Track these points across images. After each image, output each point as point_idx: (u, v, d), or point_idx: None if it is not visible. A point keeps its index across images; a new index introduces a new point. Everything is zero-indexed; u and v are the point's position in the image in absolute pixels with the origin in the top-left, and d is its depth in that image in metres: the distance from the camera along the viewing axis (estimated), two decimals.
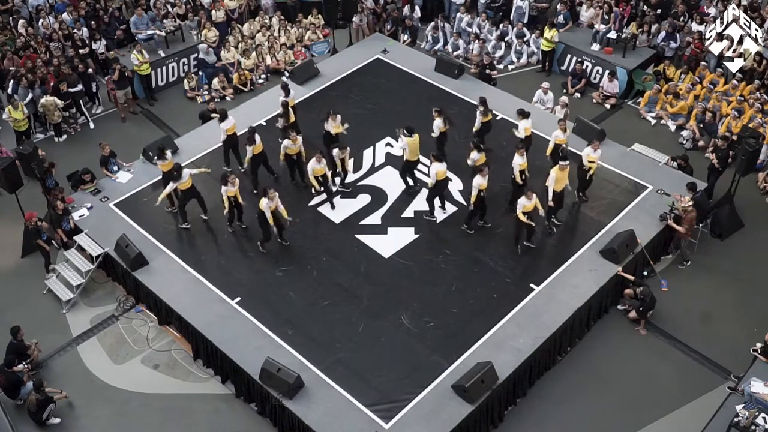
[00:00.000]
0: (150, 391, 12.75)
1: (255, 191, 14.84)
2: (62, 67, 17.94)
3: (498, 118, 15.88)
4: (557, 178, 13.85)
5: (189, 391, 12.76)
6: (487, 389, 11.52)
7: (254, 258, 14.00)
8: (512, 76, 20.05)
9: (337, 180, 15.19)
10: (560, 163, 13.90)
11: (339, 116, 15.50)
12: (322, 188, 14.76)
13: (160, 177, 14.85)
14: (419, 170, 15.40)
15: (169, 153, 14.79)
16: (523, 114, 15.35)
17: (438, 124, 15.13)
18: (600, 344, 13.27)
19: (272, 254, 14.02)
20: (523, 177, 14.46)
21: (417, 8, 21.35)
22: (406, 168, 15.14)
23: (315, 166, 14.41)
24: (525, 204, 13.39)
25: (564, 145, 14.91)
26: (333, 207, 14.88)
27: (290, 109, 15.97)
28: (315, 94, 17.79)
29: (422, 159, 15.12)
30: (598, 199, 14.98)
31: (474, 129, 15.70)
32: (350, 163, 15.32)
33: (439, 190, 14.45)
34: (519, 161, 14.32)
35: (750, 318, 13.47)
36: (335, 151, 14.80)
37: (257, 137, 14.85)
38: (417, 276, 13.59)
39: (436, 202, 14.62)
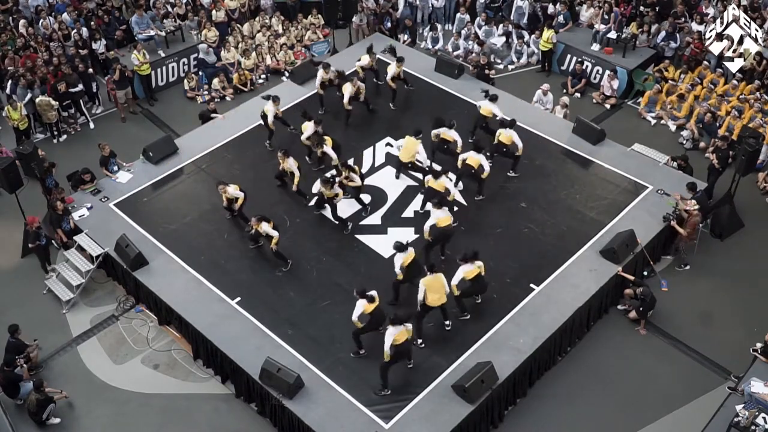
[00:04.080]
0: (150, 391, 12.74)
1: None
2: (62, 67, 17.95)
3: (497, 118, 15.85)
4: (429, 289, 11.91)
5: (189, 391, 12.76)
6: (487, 389, 11.51)
7: (254, 258, 13.99)
8: (512, 76, 20.05)
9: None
10: (432, 271, 11.97)
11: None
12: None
13: (160, 177, 14.74)
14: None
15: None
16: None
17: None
18: (600, 344, 13.26)
19: (272, 254, 13.99)
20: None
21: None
22: (400, 166, 15.50)
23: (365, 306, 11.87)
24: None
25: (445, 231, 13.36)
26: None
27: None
28: (315, 95, 17.74)
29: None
30: (598, 199, 14.97)
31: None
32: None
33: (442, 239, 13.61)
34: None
35: (750, 318, 13.47)
36: (319, 185, 14.02)
37: None
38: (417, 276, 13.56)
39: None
